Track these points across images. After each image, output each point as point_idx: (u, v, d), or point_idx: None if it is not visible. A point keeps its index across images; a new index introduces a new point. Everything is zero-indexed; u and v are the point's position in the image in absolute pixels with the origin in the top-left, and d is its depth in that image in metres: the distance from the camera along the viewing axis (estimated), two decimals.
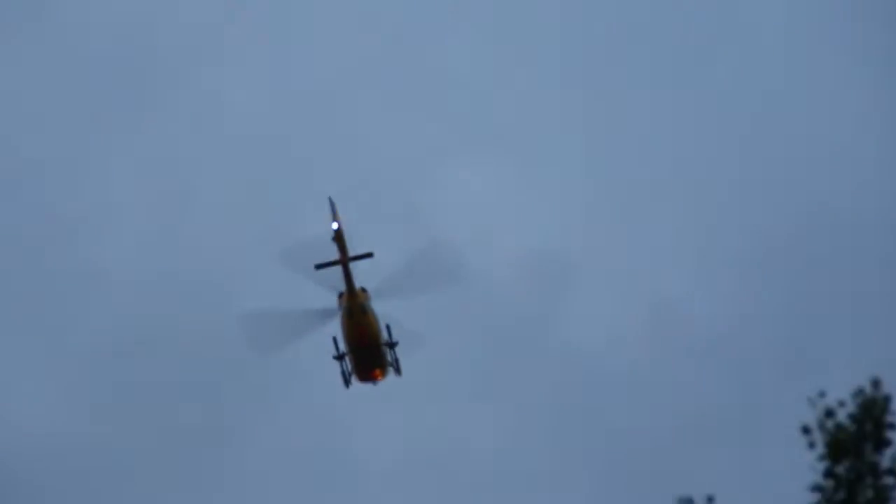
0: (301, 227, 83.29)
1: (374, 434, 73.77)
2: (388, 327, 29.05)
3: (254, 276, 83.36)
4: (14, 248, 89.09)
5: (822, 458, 35.05)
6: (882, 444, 34.94)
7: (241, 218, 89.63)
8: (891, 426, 35.10)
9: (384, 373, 30.06)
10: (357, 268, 34.11)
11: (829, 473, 34.88)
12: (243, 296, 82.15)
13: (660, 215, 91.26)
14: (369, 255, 29.59)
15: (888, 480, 34.77)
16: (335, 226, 26.97)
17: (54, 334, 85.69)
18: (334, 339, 29.94)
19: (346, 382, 32.48)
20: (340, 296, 30.45)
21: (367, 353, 29.14)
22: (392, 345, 29.57)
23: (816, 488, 34.75)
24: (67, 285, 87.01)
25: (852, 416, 35.28)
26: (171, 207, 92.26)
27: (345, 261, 27.32)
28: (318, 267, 28.83)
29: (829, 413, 35.28)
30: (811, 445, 35.11)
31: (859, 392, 35.47)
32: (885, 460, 34.89)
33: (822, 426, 35.14)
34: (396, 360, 30.44)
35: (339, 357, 30.16)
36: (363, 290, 29.85)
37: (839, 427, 35.12)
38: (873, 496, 34.66)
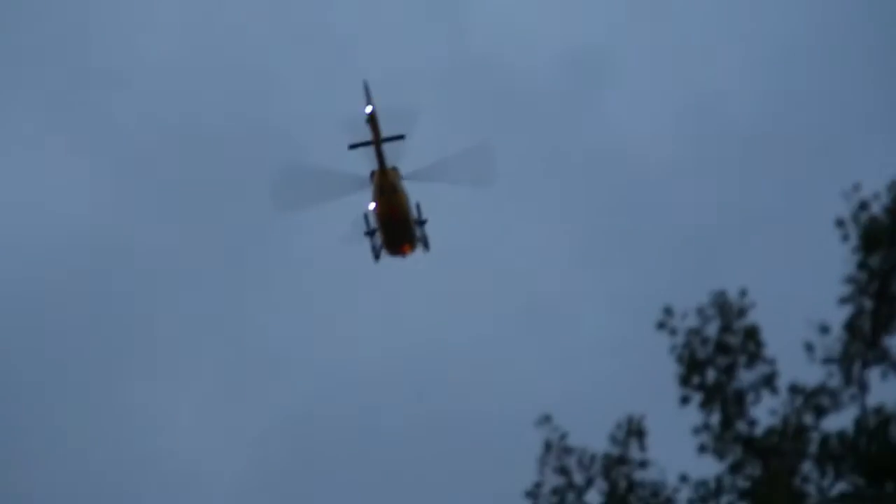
0: (339, 23, 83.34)
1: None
2: (417, 205, 30.11)
3: (292, 73, 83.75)
4: (51, 46, 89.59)
5: (855, 250, 35.58)
6: None
7: (278, 12, 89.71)
8: None
9: (413, 247, 31.51)
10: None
11: (862, 265, 35.40)
12: (280, 95, 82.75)
13: (700, 10, 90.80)
14: (401, 136, 30.78)
15: None
16: (369, 109, 28.07)
17: (93, 132, 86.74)
18: (365, 216, 30.95)
19: (376, 256, 33.93)
20: (372, 174, 31.54)
21: (397, 228, 30.32)
22: (421, 222, 30.60)
23: (850, 280, 35.32)
24: (104, 81, 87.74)
25: (887, 209, 35.70)
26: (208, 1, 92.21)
27: (377, 141, 28.23)
28: (352, 147, 29.88)
29: (864, 206, 35.70)
30: (845, 238, 35.63)
31: (894, 185, 35.86)
32: None
33: (856, 219, 35.61)
34: (425, 237, 31.48)
35: (370, 233, 31.46)
36: (394, 168, 30.67)
37: (873, 219, 35.60)
38: None
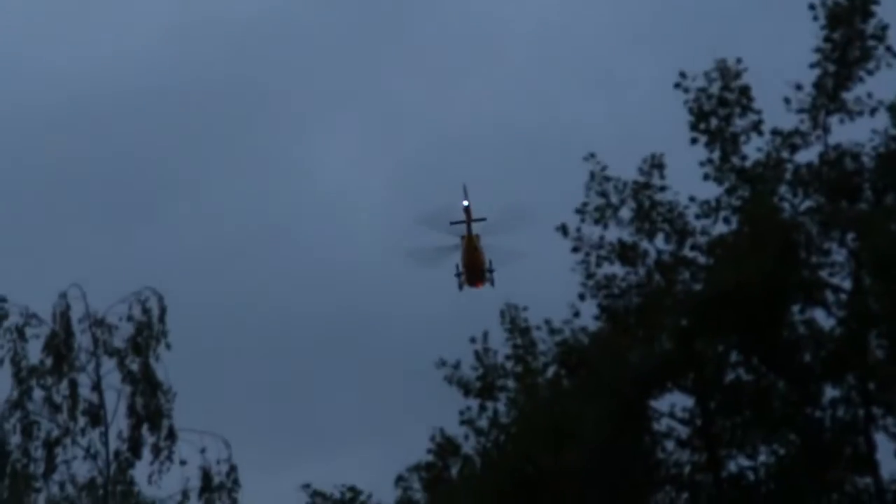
0: None
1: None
2: (490, 261, 42.30)
3: None
4: None
5: (823, 27, 42.85)
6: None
7: None
8: None
9: (483, 284, 43.83)
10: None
11: (828, 38, 42.85)
12: None
13: None
14: (483, 219, 42.78)
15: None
16: (465, 203, 39.93)
17: None
18: (456, 265, 43.26)
19: (460, 288, 46.29)
20: (462, 237, 43.48)
21: (476, 272, 42.45)
22: (491, 271, 42.46)
23: (818, 50, 42.64)
24: None
25: None
26: None
27: (468, 222, 40.00)
28: (452, 224, 41.79)
29: None
30: (815, 18, 42.78)
31: None
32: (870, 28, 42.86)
33: (824, 3, 42.65)
34: (493, 280, 43.76)
35: (458, 274, 43.91)
36: (477, 235, 42.70)
37: (836, 3, 42.57)
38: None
